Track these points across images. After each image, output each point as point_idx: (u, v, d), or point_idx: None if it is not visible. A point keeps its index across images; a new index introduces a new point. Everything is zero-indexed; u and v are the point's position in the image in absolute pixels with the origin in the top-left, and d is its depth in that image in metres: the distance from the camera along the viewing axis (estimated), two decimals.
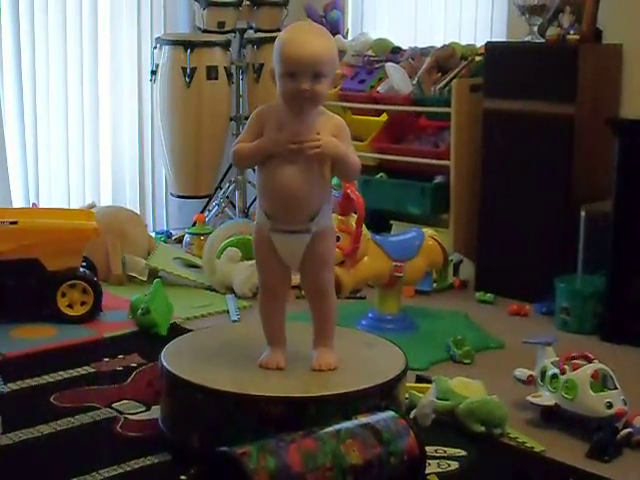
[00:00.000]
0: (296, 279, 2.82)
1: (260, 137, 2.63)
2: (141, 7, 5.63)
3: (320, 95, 2.58)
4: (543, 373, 3.03)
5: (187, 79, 5.35)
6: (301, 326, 2.89)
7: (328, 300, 2.77)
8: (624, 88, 4.43)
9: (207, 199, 5.71)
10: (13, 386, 3.22)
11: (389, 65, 4.94)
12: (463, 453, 2.74)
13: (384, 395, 2.64)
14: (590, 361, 2.96)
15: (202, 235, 5.06)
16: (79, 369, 3.41)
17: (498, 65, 4.42)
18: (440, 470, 2.64)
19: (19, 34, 5.10)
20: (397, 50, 5.17)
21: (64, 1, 5.28)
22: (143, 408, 3.05)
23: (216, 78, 5.44)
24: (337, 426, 2.44)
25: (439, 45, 4.93)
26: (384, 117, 5.10)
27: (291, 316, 2.86)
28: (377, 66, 5.12)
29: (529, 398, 3.01)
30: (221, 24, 5.56)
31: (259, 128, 2.65)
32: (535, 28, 4.35)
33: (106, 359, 3.53)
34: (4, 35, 5.06)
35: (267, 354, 2.77)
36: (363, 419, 2.49)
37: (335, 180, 3.47)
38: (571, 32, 4.32)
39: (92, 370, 3.42)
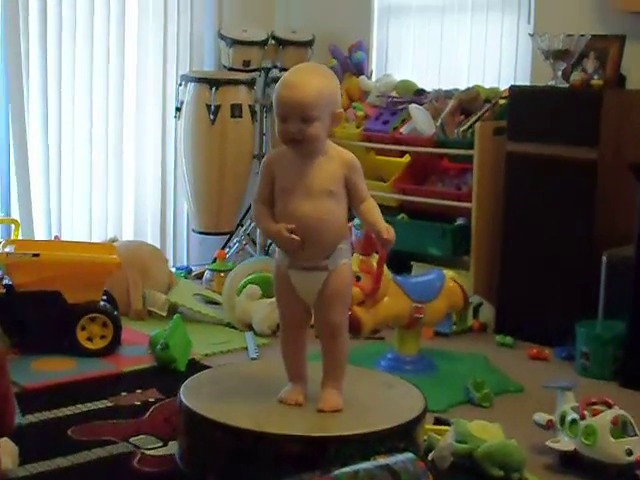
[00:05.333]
0: None
1: (272, 184, 2.70)
2: (167, 44, 5.68)
3: (311, 137, 2.61)
4: (562, 418, 3.01)
5: (211, 116, 5.39)
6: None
7: (339, 341, 2.75)
8: None
9: (228, 236, 5.73)
10: (31, 418, 3.22)
11: (413, 106, 4.96)
12: None
13: (403, 436, 2.63)
14: (610, 407, 2.94)
15: (222, 272, 5.08)
16: (97, 403, 3.42)
17: (522, 108, 4.43)
18: None
19: (46, 71, 5.15)
20: (421, 92, 5.18)
21: (91, 38, 5.34)
22: (160, 443, 3.05)
23: (240, 116, 5.47)
24: (355, 467, 2.43)
25: (463, 87, 4.95)
26: (407, 158, 5.11)
27: (314, 355, 2.85)
28: (401, 107, 5.13)
29: (548, 443, 2.99)
30: (246, 63, 5.61)
31: (270, 176, 2.71)
32: (559, 73, 4.36)
33: (124, 393, 3.53)
34: (32, 77, 5.10)
35: (287, 390, 2.77)
36: (382, 460, 2.48)
37: (357, 220, 3.49)
38: (595, 77, 4.34)
39: (110, 404, 3.42)
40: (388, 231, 2.65)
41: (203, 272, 5.34)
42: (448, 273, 3.97)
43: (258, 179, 2.77)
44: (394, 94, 5.30)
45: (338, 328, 2.74)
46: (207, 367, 3.61)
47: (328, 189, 2.64)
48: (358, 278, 3.53)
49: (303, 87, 2.58)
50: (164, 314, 4.56)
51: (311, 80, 2.61)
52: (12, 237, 4.75)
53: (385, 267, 3.66)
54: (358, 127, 5.18)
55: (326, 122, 2.63)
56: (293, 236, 2.62)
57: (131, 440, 3.06)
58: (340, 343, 2.76)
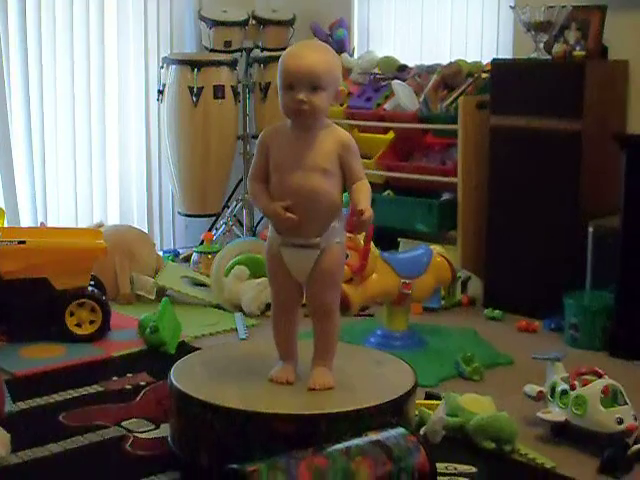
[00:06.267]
0: None
1: (267, 160, 2.68)
2: (148, 27, 5.65)
3: (318, 107, 2.59)
4: (553, 389, 3.02)
5: (194, 98, 5.37)
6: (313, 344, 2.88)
7: (331, 319, 2.75)
8: (630, 104, 4.44)
9: (214, 218, 5.72)
10: (22, 405, 3.22)
11: (395, 83, 4.95)
12: (474, 470, 2.72)
13: (394, 412, 2.63)
14: (600, 377, 2.95)
15: (210, 254, 5.07)
16: (88, 388, 3.41)
17: (504, 82, 4.43)
18: None
19: (27, 56, 5.12)
20: (403, 68, 5.18)
21: (71, 21, 5.31)
22: (152, 426, 3.05)
23: (223, 97, 5.46)
24: (347, 443, 2.43)
25: (445, 62, 4.94)
26: (391, 135, 5.11)
27: (304, 334, 2.85)
28: (383, 84, 5.13)
29: (539, 414, 3.00)
30: (228, 43, 5.59)
31: (265, 152, 2.70)
32: (541, 45, 4.36)
33: (115, 378, 3.53)
34: (12, 61, 5.08)
35: (278, 368, 2.77)
36: (373, 436, 2.48)
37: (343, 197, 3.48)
38: (577, 49, 4.33)
39: (101, 389, 3.42)
40: (365, 211, 2.60)
41: (190, 254, 5.34)
42: (435, 248, 3.97)
43: (254, 155, 2.75)
44: (376, 71, 5.30)
45: (329, 307, 2.74)
46: (197, 349, 3.62)
47: (322, 167, 2.62)
48: (346, 256, 3.52)
49: (311, 56, 2.59)
50: (152, 297, 4.56)
51: (318, 51, 2.63)
52: None
53: (372, 244, 3.66)
54: (341, 105, 5.17)
55: (330, 96, 2.63)
56: (289, 215, 2.62)
57: (123, 424, 3.06)
58: (331, 322, 2.75)
